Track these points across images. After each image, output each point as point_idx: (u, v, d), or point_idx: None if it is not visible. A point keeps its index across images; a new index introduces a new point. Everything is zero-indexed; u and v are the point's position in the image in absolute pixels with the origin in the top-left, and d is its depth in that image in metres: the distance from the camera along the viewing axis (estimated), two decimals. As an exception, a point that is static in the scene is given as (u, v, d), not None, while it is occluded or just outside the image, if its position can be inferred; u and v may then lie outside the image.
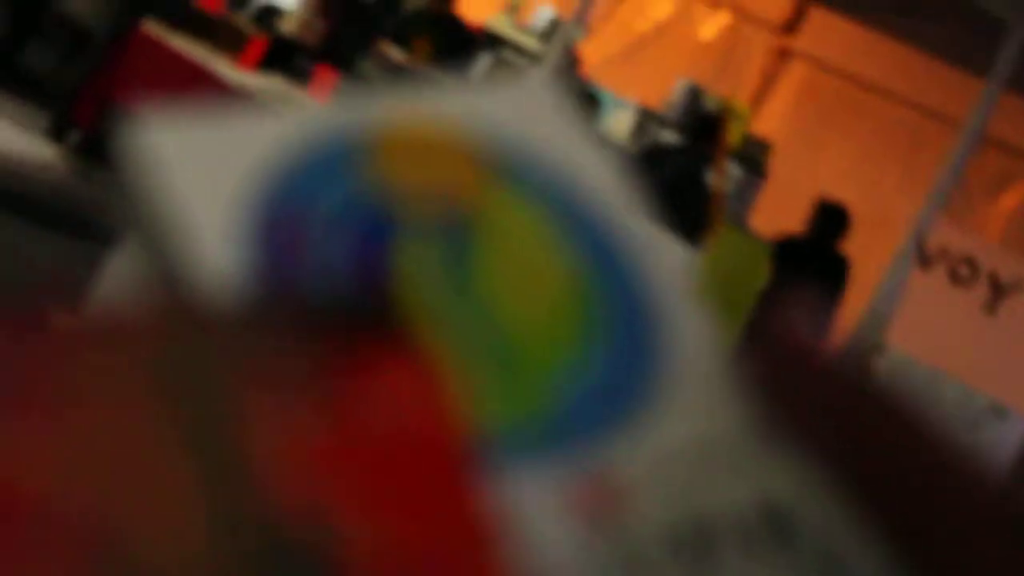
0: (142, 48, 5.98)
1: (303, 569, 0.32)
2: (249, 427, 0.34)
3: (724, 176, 6.49)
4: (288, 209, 0.42)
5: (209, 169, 0.43)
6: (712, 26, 10.02)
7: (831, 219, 6.64)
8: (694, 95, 8.11)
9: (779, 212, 7.45)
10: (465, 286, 0.43)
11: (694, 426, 0.42)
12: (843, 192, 7.43)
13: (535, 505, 0.38)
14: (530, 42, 8.55)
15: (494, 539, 0.36)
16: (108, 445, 0.32)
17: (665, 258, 0.46)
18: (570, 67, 7.05)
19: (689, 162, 6.49)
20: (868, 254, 6.85)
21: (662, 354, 0.43)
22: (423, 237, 0.44)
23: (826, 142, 9.57)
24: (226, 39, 6.83)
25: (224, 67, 6.24)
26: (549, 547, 0.38)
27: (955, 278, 5.80)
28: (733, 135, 6.84)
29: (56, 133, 6.11)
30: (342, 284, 0.41)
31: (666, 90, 8.39)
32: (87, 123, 5.99)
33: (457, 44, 7.45)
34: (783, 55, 9.98)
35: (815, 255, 6.59)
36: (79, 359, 0.33)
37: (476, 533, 0.35)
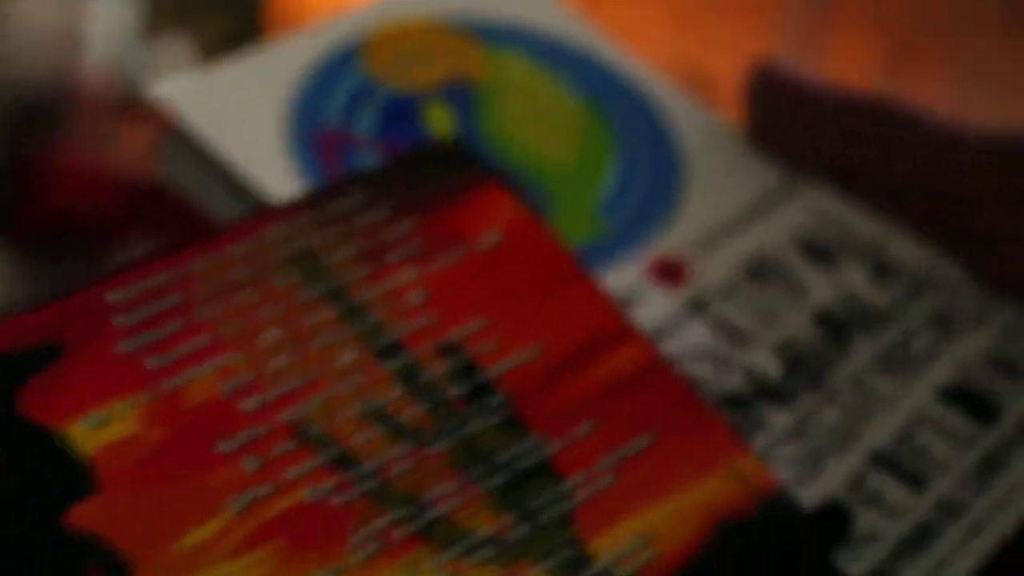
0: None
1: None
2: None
3: None
4: (320, 123, 0.44)
5: (243, 113, 0.44)
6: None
7: None
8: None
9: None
10: (488, 132, 0.46)
11: (727, 193, 0.46)
12: None
13: (620, 288, 0.43)
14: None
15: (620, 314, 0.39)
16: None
17: (646, 73, 0.49)
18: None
19: None
20: None
21: (678, 148, 0.47)
22: (437, 100, 0.46)
23: None
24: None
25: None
26: (650, 313, 0.42)
27: None
28: None
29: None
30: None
31: None
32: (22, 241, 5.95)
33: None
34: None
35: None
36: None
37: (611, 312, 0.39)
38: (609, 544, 0.35)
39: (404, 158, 0.41)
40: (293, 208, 0.39)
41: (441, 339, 0.38)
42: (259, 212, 0.39)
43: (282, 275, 0.37)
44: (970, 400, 0.42)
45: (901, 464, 0.40)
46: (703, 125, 0.48)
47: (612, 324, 0.39)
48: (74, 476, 0.34)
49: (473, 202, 0.40)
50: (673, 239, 0.44)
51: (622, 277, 0.43)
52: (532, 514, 0.35)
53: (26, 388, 0.34)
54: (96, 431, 0.34)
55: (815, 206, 0.46)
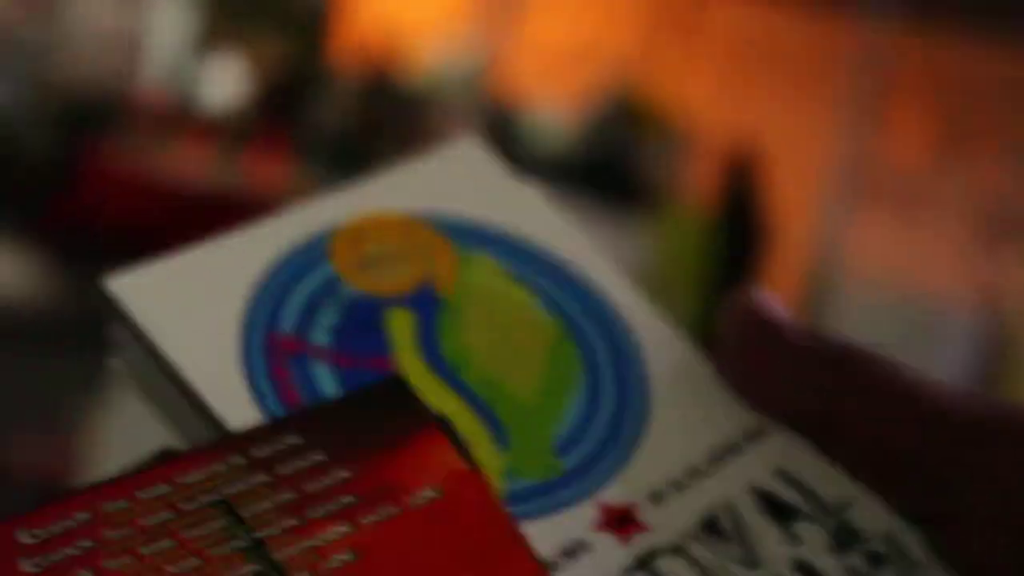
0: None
1: None
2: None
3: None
4: (276, 325, 0.43)
5: (196, 311, 0.43)
6: None
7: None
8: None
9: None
10: (450, 348, 0.44)
11: (689, 437, 0.45)
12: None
13: (568, 536, 0.41)
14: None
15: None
16: None
17: (623, 290, 0.48)
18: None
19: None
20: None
21: (644, 387, 0.45)
22: (401, 307, 0.45)
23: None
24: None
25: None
26: (598, 566, 0.41)
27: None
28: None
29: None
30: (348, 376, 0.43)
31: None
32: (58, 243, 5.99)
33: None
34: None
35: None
36: None
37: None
38: None
39: (346, 397, 0.40)
40: (217, 450, 0.37)
41: (359, 608, 0.36)
42: (182, 453, 0.38)
43: (200, 525, 0.36)
44: None
45: None
46: (676, 360, 0.46)
47: None
48: None
49: (412, 451, 0.39)
50: (627, 486, 0.43)
51: (571, 522, 0.42)
52: None
53: None
54: None
55: (781, 458, 0.45)
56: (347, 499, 0.37)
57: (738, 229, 5.68)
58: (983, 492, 0.42)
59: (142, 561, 0.35)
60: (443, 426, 0.40)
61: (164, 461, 0.40)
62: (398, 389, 0.40)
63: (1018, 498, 0.42)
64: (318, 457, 0.38)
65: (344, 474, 0.38)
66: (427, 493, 0.38)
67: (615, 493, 0.43)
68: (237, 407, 0.41)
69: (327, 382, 0.42)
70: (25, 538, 0.35)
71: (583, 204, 5.64)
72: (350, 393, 0.40)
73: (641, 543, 0.42)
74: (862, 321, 5.44)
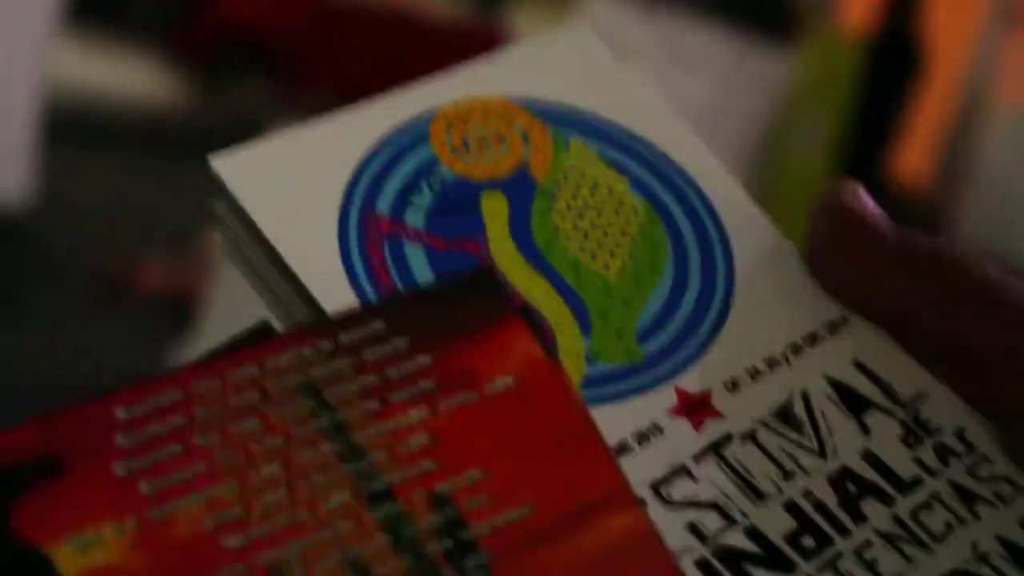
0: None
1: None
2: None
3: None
4: (374, 207, 0.45)
5: (297, 192, 0.44)
6: None
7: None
8: None
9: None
10: (541, 232, 0.46)
11: (770, 327, 0.46)
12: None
13: (644, 420, 0.43)
14: None
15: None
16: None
17: (718, 179, 0.49)
18: None
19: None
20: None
21: (729, 275, 0.47)
22: (495, 191, 0.46)
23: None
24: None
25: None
26: (669, 450, 0.43)
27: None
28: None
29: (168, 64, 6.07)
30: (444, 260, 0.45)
31: None
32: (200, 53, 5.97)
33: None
34: None
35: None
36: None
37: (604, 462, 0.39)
38: None
39: (432, 285, 0.41)
40: (306, 334, 0.39)
41: (434, 489, 0.38)
42: (271, 336, 0.40)
43: (286, 405, 0.38)
44: None
45: None
46: (763, 248, 0.47)
47: (609, 489, 0.39)
48: (53, 600, 0.35)
49: (492, 340, 0.40)
50: (705, 373, 0.44)
51: (648, 406, 0.43)
52: None
53: (23, 501, 0.36)
54: (81, 554, 0.35)
55: (859, 350, 0.46)
56: (426, 384, 0.39)
57: (893, 53, 5.58)
58: None
59: (229, 439, 0.37)
60: (525, 315, 0.41)
61: (262, 334, 0.42)
62: (485, 279, 0.42)
63: None
64: (401, 343, 0.40)
65: (425, 360, 0.40)
66: (504, 381, 0.40)
67: (692, 380, 0.44)
68: (330, 286, 0.43)
69: (419, 264, 0.44)
70: (122, 413, 0.37)
71: (736, 29, 5.56)
72: (437, 281, 0.42)
73: (714, 429, 0.43)
74: (1011, 145, 5.34)
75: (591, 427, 0.40)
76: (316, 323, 0.40)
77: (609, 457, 0.40)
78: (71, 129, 5.19)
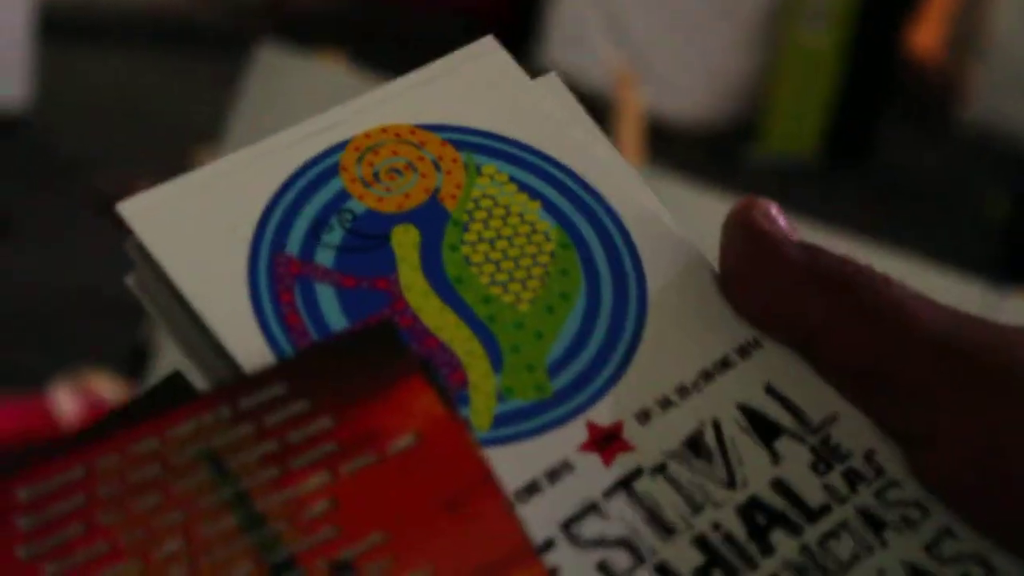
0: None
1: None
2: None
3: None
4: (284, 246, 0.45)
5: (205, 234, 0.44)
6: None
7: None
8: None
9: None
10: (452, 264, 0.46)
11: (683, 355, 0.46)
12: None
13: (554, 457, 0.43)
14: None
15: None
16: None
17: (634, 200, 0.49)
18: None
19: None
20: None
21: (642, 302, 0.47)
22: (407, 223, 0.46)
23: None
24: None
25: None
26: (579, 487, 0.43)
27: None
28: None
29: None
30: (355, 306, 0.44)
31: None
32: None
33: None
34: None
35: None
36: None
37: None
38: None
39: (331, 343, 0.41)
40: (206, 401, 0.40)
41: (336, 556, 0.39)
42: (182, 388, 0.40)
43: (187, 477, 0.39)
44: None
45: None
46: (677, 268, 0.47)
47: (509, 547, 0.40)
48: None
49: (393, 399, 0.41)
50: (617, 405, 0.45)
51: (558, 443, 0.44)
52: None
53: None
54: (-14, 642, 0.36)
55: (770, 374, 0.46)
56: (328, 447, 0.40)
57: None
58: (962, 414, 0.43)
59: (131, 516, 0.38)
60: (426, 371, 0.41)
61: (174, 386, 0.42)
62: (386, 332, 0.42)
63: (994, 422, 0.43)
64: (302, 406, 0.40)
65: (326, 422, 0.40)
66: (405, 440, 0.40)
67: (603, 412, 0.44)
68: (240, 331, 0.43)
69: (329, 305, 0.44)
70: (23, 495, 0.38)
71: None
72: (337, 337, 0.42)
73: (624, 463, 0.44)
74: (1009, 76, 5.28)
75: (492, 484, 0.40)
76: (217, 388, 0.40)
77: (510, 514, 0.40)
78: (69, 27, 5.15)
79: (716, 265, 0.48)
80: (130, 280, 0.45)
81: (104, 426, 0.40)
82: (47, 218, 3.69)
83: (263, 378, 0.40)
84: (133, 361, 2.19)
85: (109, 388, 2.32)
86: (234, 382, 0.40)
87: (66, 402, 2.29)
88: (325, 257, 0.45)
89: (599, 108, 2.02)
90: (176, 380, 0.43)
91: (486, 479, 0.40)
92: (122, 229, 0.45)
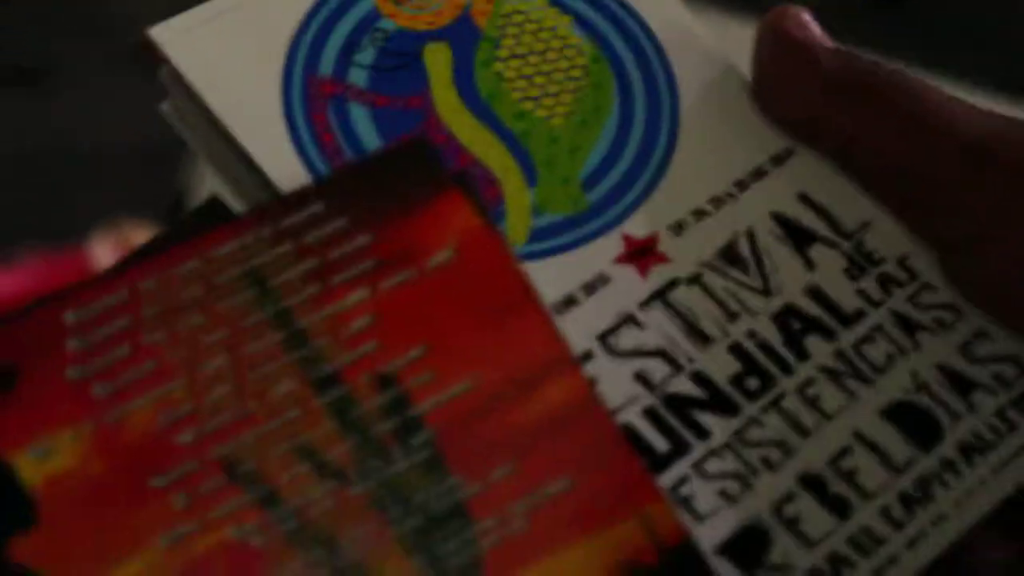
0: None
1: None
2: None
3: None
4: (316, 67, 0.45)
5: (239, 57, 0.45)
6: None
7: None
8: None
9: None
10: (485, 81, 0.46)
11: (715, 165, 0.46)
12: None
13: (590, 270, 0.44)
14: None
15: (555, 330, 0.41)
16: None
17: (665, 11, 0.48)
18: None
19: None
20: None
21: (675, 114, 0.47)
22: (438, 41, 0.47)
23: None
24: None
25: None
26: (615, 299, 0.43)
27: None
28: None
29: None
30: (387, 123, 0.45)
31: None
32: None
33: None
34: None
35: None
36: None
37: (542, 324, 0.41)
38: (510, 592, 0.38)
39: (366, 162, 0.42)
40: (246, 222, 0.40)
41: (378, 370, 0.39)
42: (221, 212, 0.41)
43: (230, 296, 0.39)
44: (915, 419, 0.43)
45: (828, 488, 0.42)
46: (709, 80, 0.47)
47: (550, 356, 0.40)
48: (18, 507, 0.37)
49: (431, 213, 0.41)
50: (651, 217, 0.45)
51: (594, 255, 0.44)
52: (441, 560, 0.38)
53: None
54: (41, 461, 0.37)
55: (803, 182, 0.46)
56: (367, 264, 0.40)
57: None
58: (1000, 218, 0.43)
59: (177, 336, 0.39)
60: (462, 184, 0.42)
61: (212, 211, 0.43)
62: (420, 150, 0.42)
63: (1021, 221, 0.43)
64: (341, 223, 0.41)
65: (365, 239, 0.41)
66: (444, 254, 0.41)
67: (638, 225, 0.45)
68: (276, 153, 0.43)
69: (363, 124, 0.44)
70: (70, 318, 0.39)
71: None
72: (373, 155, 0.42)
73: (660, 275, 0.44)
74: None
75: (531, 294, 0.41)
76: (256, 209, 0.41)
77: (549, 324, 0.41)
78: None
79: (749, 77, 0.48)
80: (165, 107, 0.46)
81: (146, 251, 0.40)
82: (86, 68, 3.68)
83: (301, 198, 0.41)
84: (174, 211, 2.20)
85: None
86: (273, 202, 0.41)
87: (105, 255, 2.30)
88: (358, 77, 0.45)
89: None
90: (215, 205, 0.43)
91: (525, 291, 0.41)
92: (157, 59, 0.45)
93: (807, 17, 0.47)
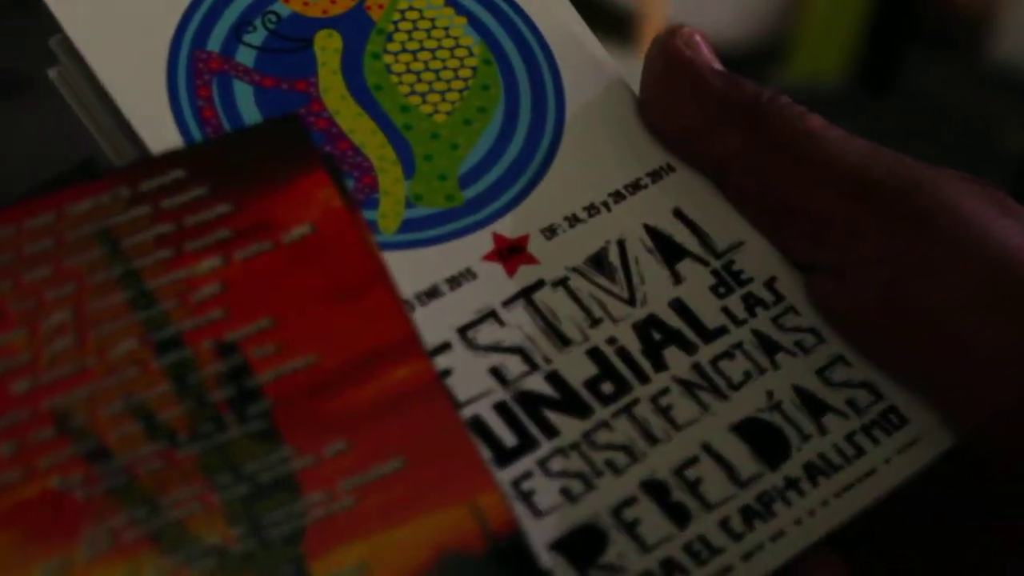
0: None
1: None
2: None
3: None
4: (209, 44, 0.45)
5: (127, 27, 0.45)
6: None
7: None
8: None
9: None
10: (373, 71, 0.46)
11: (595, 174, 0.46)
12: None
13: (457, 264, 0.44)
14: None
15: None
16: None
17: (560, 20, 0.49)
18: None
19: None
20: None
21: (559, 118, 0.47)
22: (331, 28, 0.47)
23: None
24: None
25: None
26: (479, 295, 0.44)
27: None
28: None
29: None
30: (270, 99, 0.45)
31: None
32: None
33: None
34: None
35: None
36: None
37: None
38: (329, 567, 0.38)
39: (237, 134, 0.42)
40: (106, 181, 0.40)
41: (221, 338, 0.39)
42: (93, 174, 0.41)
43: (80, 253, 0.39)
44: (765, 436, 0.43)
45: (671, 496, 0.42)
46: (598, 91, 0.48)
47: (397, 339, 0.40)
48: None
49: (294, 189, 0.41)
50: (524, 218, 0.45)
51: (463, 251, 0.44)
52: (263, 529, 0.38)
53: None
54: None
55: (680, 198, 0.46)
56: (223, 233, 0.40)
57: None
58: (872, 247, 0.44)
59: (22, 286, 0.39)
60: (330, 167, 0.42)
61: (84, 172, 0.43)
62: (292, 127, 0.42)
63: (903, 258, 0.43)
64: (202, 191, 0.41)
65: (224, 208, 0.41)
66: (301, 230, 0.41)
67: (511, 225, 0.45)
68: (155, 122, 0.44)
69: (246, 102, 0.45)
70: (-83, 259, 0.39)
71: None
72: (244, 128, 0.42)
73: (527, 275, 0.44)
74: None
75: (384, 278, 0.41)
76: (118, 170, 0.41)
77: (399, 308, 0.41)
78: None
79: (637, 91, 0.48)
80: (52, 74, 0.46)
81: (9, 203, 0.40)
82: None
83: (164, 161, 0.41)
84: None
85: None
86: (135, 164, 0.41)
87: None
88: (246, 56, 0.45)
89: (623, 20, 2.01)
90: (89, 164, 0.43)
91: (378, 273, 0.41)
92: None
93: (698, 38, 0.47)
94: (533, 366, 0.43)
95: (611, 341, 0.44)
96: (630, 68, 0.49)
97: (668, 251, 0.45)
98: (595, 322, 0.44)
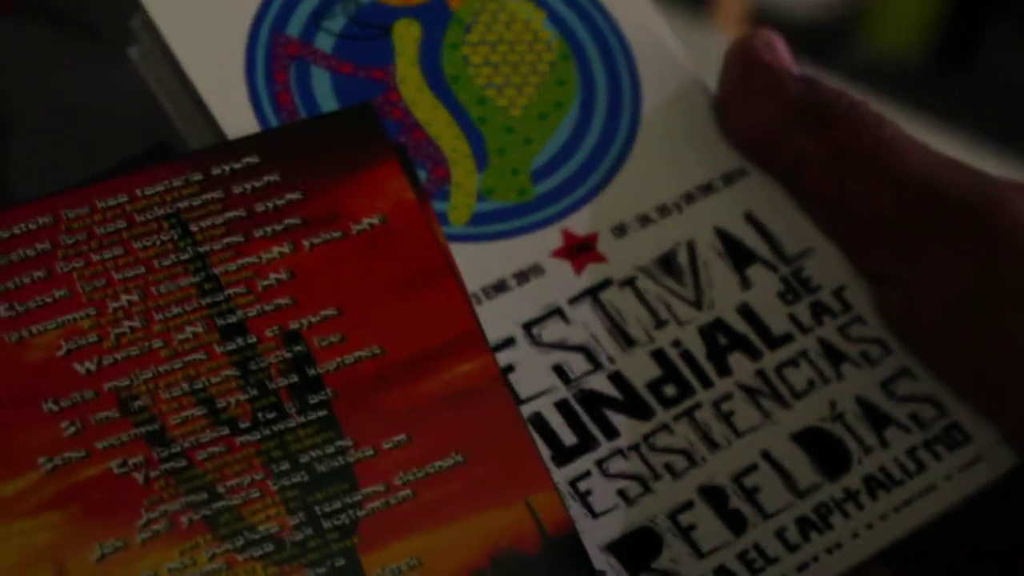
0: None
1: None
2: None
3: None
4: (289, 29, 0.45)
5: (209, 9, 0.45)
6: None
7: None
8: None
9: None
10: (450, 62, 0.46)
11: (667, 174, 0.46)
12: None
13: (525, 260, 0.44)
14: None
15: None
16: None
17: (641, 19, 0.48)
18: None
19: None
20: None
21: (635, 118, 0.47)
22: (410, 17, 0.47)
23: None
24: None
25: None
26: (546, 291, 0.44)
27: None
28: None
29: None
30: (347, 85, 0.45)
31: None
32: None
33: None
34: None
35: None
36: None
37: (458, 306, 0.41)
38: (383, 560, 0.38)
39: (311, 121, 0.42)
40: (179, 165, 0.41)
41: (287, 326, 0.40)
42: (167, 157, 0.41)
43: (150, 235, 0.40)
44: (826, 446, 0.43)
45: (728, 503, 0.42)
46: (674, 91, 0.47)
47: (461, 333, 0.40)
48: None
49: (365, 179, 0.41)
50: (595, 217, 0.45)
51: (532, 246, 0.44)
52: (318, 519, 0.38)
53: None
54: (-62, 370, 0.38)
55: (752, 202, 0.46)
56: (293, 221, 0.40)
57: None
58: (940, 259, 0.43)
59: (92, 267, 0.39)
60: (401, 156, 0.42)
61: (158, 154, 0.43)
62: (366, 116, 0.42)
63: (972, 271, 0.43)
64: (273, 178, 0.41)
65: (295, 196, 0.41)
66: (370, 221, 0.41)
67: (580, 222, 0.45)
68: (232, 105, 0.44)
69: (323, 88, 0.45)
70: (-10, 236, 0.39)
71: None
72: (319, 116, 0.43)
73: (595, 273, 0.44)
74: None
75: (451, 272, 0.41)
76: (192, 154, 0.41)
77: (465, 302, 0.41)
78: None
79: (713, 90, 0.48)
80: (133, 52, 0.46)
81: (82, 183, 0.41)
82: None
83: (238, 147, 0.41)
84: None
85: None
86: (209, 149, 0.41)
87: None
88: (325, 42, 0.45)
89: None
90: (162, 148, 0.43)
91: (445, 267, 0.41)
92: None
93: (778, 41, 0.47)
94: (596, 365, 0.43)
95: (676, 344, 0.43)
96: (702, 37, 0.49)
97: (737, 255, 0.45)
98: (661, 324, 0.44)
